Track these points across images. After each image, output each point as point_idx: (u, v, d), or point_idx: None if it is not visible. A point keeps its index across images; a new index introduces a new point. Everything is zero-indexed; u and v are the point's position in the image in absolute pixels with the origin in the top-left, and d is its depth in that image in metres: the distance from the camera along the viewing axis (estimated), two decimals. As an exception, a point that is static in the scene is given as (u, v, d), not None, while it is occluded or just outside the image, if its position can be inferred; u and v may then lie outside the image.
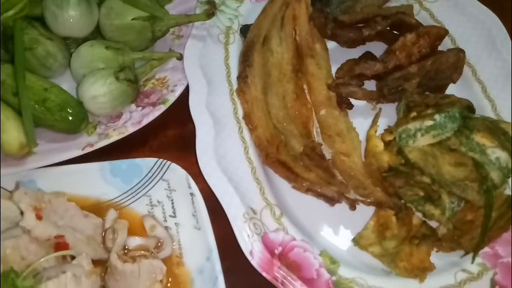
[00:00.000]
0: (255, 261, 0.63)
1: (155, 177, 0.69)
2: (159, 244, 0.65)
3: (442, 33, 0.81)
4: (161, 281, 0.62)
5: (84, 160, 0.70)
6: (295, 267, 0.63)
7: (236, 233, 0.64)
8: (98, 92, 0.70)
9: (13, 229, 0.59)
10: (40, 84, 0.71)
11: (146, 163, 0.69)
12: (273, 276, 0.62)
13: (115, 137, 0.71)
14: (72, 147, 0.70)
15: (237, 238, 0.64)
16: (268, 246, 0.64)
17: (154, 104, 0.74)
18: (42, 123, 0.70)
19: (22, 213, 0.60)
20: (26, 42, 0.73)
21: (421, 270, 0.64)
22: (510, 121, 0.71)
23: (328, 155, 0.73)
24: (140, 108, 0.74)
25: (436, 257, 0.66)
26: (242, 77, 0.77)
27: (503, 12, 0.85)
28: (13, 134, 0.66)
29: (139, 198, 0.69)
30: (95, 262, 0.60)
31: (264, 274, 0.62)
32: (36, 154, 0.69)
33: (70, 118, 0.70)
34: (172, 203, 0.68)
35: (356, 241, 0.67)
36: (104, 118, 0.74)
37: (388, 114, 0.78)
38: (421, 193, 0.65)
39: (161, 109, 0.74)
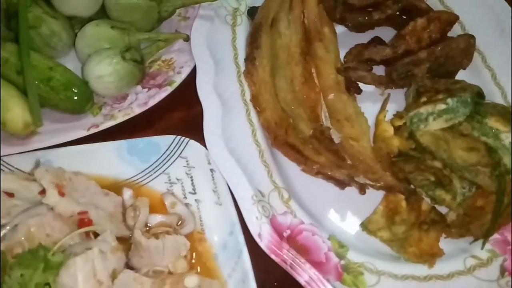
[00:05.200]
0: (263, 244, 0.62)
1: (174, 154, 0.68)
2: (180, 221, 0.65)
3: (452, 18, 0.79)
4: (185, 256, 0.62)
5: (89, 141, 0.69)
6: (303, 250, 0.62)
7: (244, 215, 0.64)
8: (104, 71, 0.69)
9: (36, 207, 0.58)
10: (45, 62, 0.69)
11: (164, 140, 0.68)
12: (282, 258, 0.61)
13: (120, 118, 0.70)
14: (77, 127, 0.69)
15: (245, 220, 0.63)
16: (277, 228, 0.63)
17: (160, 86, 0.73)
18: (47, 103, 0.69)
19: (41, 192, 0.59)
20: (31, 20, 0.71)
21: (430, 256, 0.63)
22: (520, 108, 0.71)
23: (336, 140, 0.72)
24: (146, 89, 0.73)
25: (445, 243, 0.66)
26: (250, 59, 0.76)
27: (513, 0, 0.84)
28: (18, 113, 0.65)
29: (157, 176, 0.68)
30: (118, 240, 0.60)
31: (272, 256, 0.62)
32: (40, 134, 0.68)
33: (75, 97, 0.69)
34: (192, 180, 0.68)
35: (364, 225, 0.66)
36: (109, 99, 0.73)
37: (397, 99, 0.77)
38: (432, 178, 0.65)
39: (167, 90, 0.73)
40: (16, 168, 0.66)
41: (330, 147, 0.68)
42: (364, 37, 0.82)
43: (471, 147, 0.63)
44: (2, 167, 0.65)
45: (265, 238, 0.62)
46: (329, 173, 0.65)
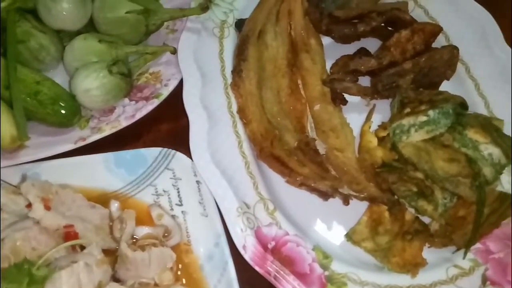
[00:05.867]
0: (248, 255, 0.63)
1: (160, 166, 0.69)
2: (167, 232, 0.65)
3: (436, 30, 0.81)
4: (171, 268, 0.62)
5: (77, 154, 0.69)
6: (288, 262, 0.63)
7: (229, 227, 0.64)
8: (91, 85, 0.70)
9: (23, 221, 0.59)
10: (32, 77, 0.70)
11: (151, 152, 0.69)
12: (266, 270, 0.62)
13: (107, 131, 0.71)
14: (65, 141, 0.70)
15: (230, 232, 0.64)
16: (261, 240, 0.64)
17: (147, 98, 0.74)
18: (34, 117, 0.70)
19: (27, 205, 0.60)
20: (19, 34, 0.72)
21: (413, 266, 0.64)
22: (502, 119, 0.72)
23: (322, 150, 0.73)
24: (134, 102, 0.74)
25: (429, 253, 0.67)
26: (237, 71, 0.77)
27: (496, 10, 0.85)
28: (5, 127, 0.66)
29: (144, 188, 0.69)
30: (104, 252, 0.60)
31: (257, 268, 0.62)
32: (28, 147, 0.69)
33: (63, 111, 0.69)
34: (178, 192, 0.69)
35: (349, 236, 0.67)
36: (97, 112, 0.74)
37: (382, 110, 0.78)
38: (414, 189, 0.65)
39: (154, 103, 0.73)
40: (3, 181, 0.66)
41: (314, 158, 0.69)
42: (350, 48, 0.83)
43: (452, 158, 0.64)
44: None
45: (250, 250, 0.63)
46: (313, 185, 0.66)
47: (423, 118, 0.66)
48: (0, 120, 0.66)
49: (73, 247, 0.60)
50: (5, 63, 0.70)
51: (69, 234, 0.59)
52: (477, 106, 0.77)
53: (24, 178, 0.65)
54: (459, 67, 0.80)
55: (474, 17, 0.84)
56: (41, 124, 0.71)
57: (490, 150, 0.62)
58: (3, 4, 0.70)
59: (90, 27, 0.78)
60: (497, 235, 0.66)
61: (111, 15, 0.75)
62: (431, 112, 0.66)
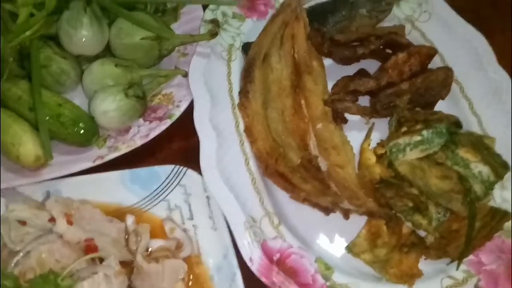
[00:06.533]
0: (254, 267, 0.67)
1: (173, 182, 0.74)
2: (179, 245, 0.70)
3: (431, 52, 0.85)
4: (183, 279, 0.67)
5: (95, 171, 0.75)
6: (292, 273, 0.67)
7: (237, 240, 0.69)
8: (109, 107, 0.75)
9: (47, 235, 0.64)
10: (55, 99, 0.76)
11: (164, 169, 0.74)
12: (271, 281, 0.66)
13: (124, 150, 0.76)
14: (84, 159, 0.75)
15: (237, 245, 0.68)
16: (267, 252, 0.68)
17: (160, 119, 0.79)
18: (56, 137, 0.75)
19: (50, 220, 0.65)
20: (42, 60, 0.78)
21: (410, 276, 0.68)
22: (494, 136, 0.76)
23: (324, 167, 0.78)
24: (148, 122, 0.79)
25: (424, 264, 0.70)
26: (244, 93, 0.82)
27: (489, 32, 0.90)
28: (30, 147, 0.71)
29: (158, 203, 0.74)
30: (121, 264, 0.65)
31: (263, 279, 0.67)
32: (50, 165, 0.74)
33: (82, 132, 0.75)
34: (189, 207, 0.73)
35: (349, 248, 0.71)
36: (113, 132, 0.79)
37: (381, 128, 0.82)
38: (410, 204, 0.70)
39: (167, 123, 0.78)
40: (27, 197, 0.72)
41: (316, 175, 0.74)
42: (350, 69, 0.87)
43: (445, 175, 0.68)
44: (16, 197, 0.70)
45: (256, 262, 0.67)
46: (315, 200, 0.71)
47: (417, 137, 0.70)
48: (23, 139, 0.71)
49: (92, 259, 0.64)
50: (30, 87, 0.75)
51: (89, 247, 0.64)
52: (471, 124, 0.81)
53: (48, 195, 0.70)
54: (454, 87, 0.84)
55: (468, 39, 0.88)
56: (61, 143, 0.76)
57: (479, 168, 0.67)
58: (28, 33, 0.76)
59: (107, 51, 0.84)
60: (489, 248, 0.70)
61: (127, 41, 0.80)
62: (425, 132, 0.70)
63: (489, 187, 0.67)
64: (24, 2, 0.77)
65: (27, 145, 0.71)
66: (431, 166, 0.69)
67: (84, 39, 0.78)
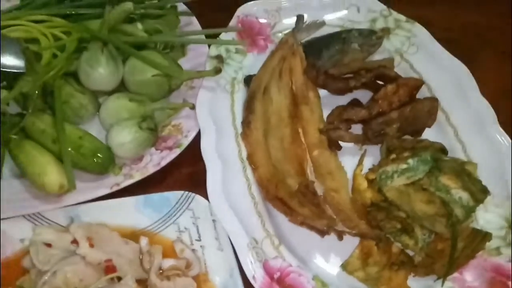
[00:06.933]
0: (257, 285, 0.73)
1: (182, 207, 0.80)
2: (188, 264, 0.76)
3: (418, 84, 0.92)
4: None
5: (110, 197, 0.82)
6: (291, 290, 0.74)
7: (241, 260, 0.75)
8: (125, 139, 0.83)
9: (71, 256, 0.71)
10: (76, 132, 0.83)
11: (174, 195, 0.80)
12: (273, 297, 0.73)
13: (137, 177, 0.82)
14: (102, 186, 0.81)
15: (241, 264, 0.75)
16: (268, 271, 0.75)
17: (170, 148, 0.86)
18: (77, 166, 0.82)
19: (72, 242, 0.72)
20: (63, 96, 0.85)
21: (399, 293, 0.75)
22: (476, 162, 0.83)
23: (320, 192, 0.84)
24: (159, 151, 0.86)
25: (413, 281, 0.76)
26: (246, 123, 0.89)
27: (473, 62, 0.97)
28: (54, 177, 0.78)
29: (169, 225, 0.80)
30: (137, 282, 0.71)
31: (265, 296, 0.73)
32: (71, 192, 0.81)
33: (101, 161, 0.82)
34: (197, 229, 0.79)
35: (344, 267, 0.78)
36: (128, 160, 0.86)
37: (374, 154, 0.88)
38: (398, 226, 0.76)
39: (176, 152, 0.85)
40: (52, 221, 0.79)
41: (312, 200, 0.80)
42: (344, 99, 0.95)
43: (429, 200, 0.75)
44: (41, 221, 0.78)
45: (259, 280, 0.73)
46: (311, 224, 0.78)
47: (403, 165, 0.77)
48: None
49: (112, 278, 0.71)
50: (53, 120, 0.83)
51: (108, 267, 0.71)
52: (456, 150, 0.87)
53: (72, 220, 0.77)
54: (440, 115, 0.91)
55: (452, 70, 0.95)
56: (82, 172, 0.84)
57: (460, 194, 0.73)
58: (51, 73, 0.84)
59: (122, 86, 0.91)
60: (473, 265, 0.76)
61: (139, 78, 0.88)
62: (410, 161, 0.77)
63: (469, 210, 0.74)
64: (47, 45, 0.86)
65: (52, 175, 0.78)
66: (416, 192, 0.76)
67: (101, 76, 0.85)
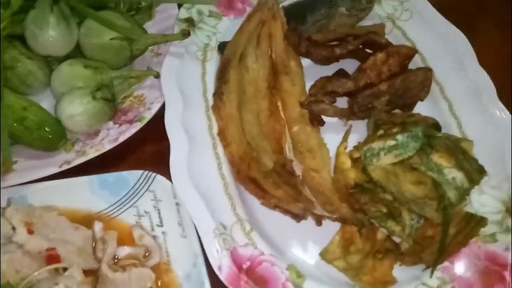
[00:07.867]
0: (223, 276, 0.65)
1: (142, 188, 0.73)
2: (148, 252, 0.69)
3: (411, 52, 0.83)
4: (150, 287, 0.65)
5: (61, 176, 0.73)
6: (261, 282, 0.66)
7: (205, 248, 0.67)
8: (75, 111, 0.73)
9: (7, 244, 0.62)
10: (20, 102, 0.74)
11: (133, 175, 0.73)
12: (240, 290, 0.65)
13: (92, 154, 0.74)
14: (50, 164, 0.73)
15: (206, 253, 0.67)
16: (236, 261, 0.67)
17: (131, 122, 0.77)
18: (21, 141, 0.73)
19: (13, 228, 0.63)
20: (7, 61, 0.76)
21: (383, 284, 0.67)
22: (472, 140, 0.74)
23: (299, 171, 0.76)
24: (117, 125, 0.77)
25: (400, 271, 0.69)
26: (218, 94, 0.80)
27: (472, 32, 0.88)
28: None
29: (127, 209, 0.72)
30: (86, 272, 0.64)
31: (231, 288, 0.65)
32: (15, 171, 0.72)
33: (48, 136, 0.73)
34: (159, 213, 0.72)
35: (322, 255, 0.70)
36: (82, 135, 0.77)
37: (360, 130, 0.80)
38: (384, 210, 0.68)
39: (137, 126, 0.76)
40: (-9, 205, 0.70)
41: (289, 180, 0.72)
42: (330, 69, 0.86)
43: (419, 181, 0.67)
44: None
45: (225, 271, 0.66)
46: (286, 207, 0.69)
47: (391, 142, 0.69)
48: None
49: (56, 269, 0.63)
50: (-7, 89, 0.73)
51: (51, 257, 0.62)
52: (450, 127, 0.79)
53: (9, 203, 0.68)
54: (434, 88, 0.83)
55: (450, 39, 0.86)
56: (27, 148, 0.74)
57: (453, 174, 0.65)
58: (-8, 33, 0.73)
59: (78, 51, 0.81)
60: (465, 254, 0.69)
61: (96, 41, 0.78)
62: (399, 137, 0.68)
63: (463, 193, 0.66)
64: (-12, 1, 0.75)
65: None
66: (405, 171, 0.68)
67: (51, 39, 0.76)
